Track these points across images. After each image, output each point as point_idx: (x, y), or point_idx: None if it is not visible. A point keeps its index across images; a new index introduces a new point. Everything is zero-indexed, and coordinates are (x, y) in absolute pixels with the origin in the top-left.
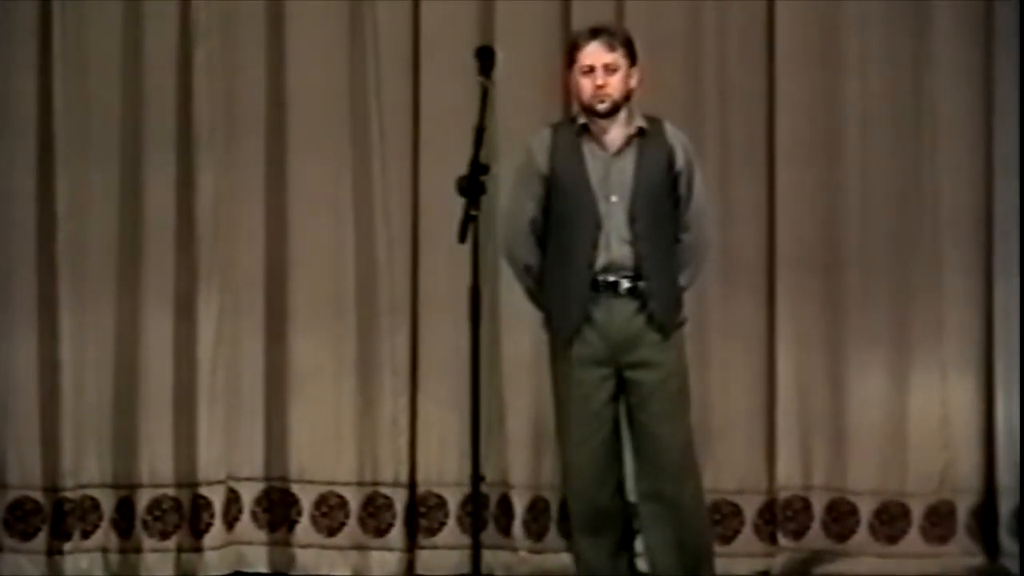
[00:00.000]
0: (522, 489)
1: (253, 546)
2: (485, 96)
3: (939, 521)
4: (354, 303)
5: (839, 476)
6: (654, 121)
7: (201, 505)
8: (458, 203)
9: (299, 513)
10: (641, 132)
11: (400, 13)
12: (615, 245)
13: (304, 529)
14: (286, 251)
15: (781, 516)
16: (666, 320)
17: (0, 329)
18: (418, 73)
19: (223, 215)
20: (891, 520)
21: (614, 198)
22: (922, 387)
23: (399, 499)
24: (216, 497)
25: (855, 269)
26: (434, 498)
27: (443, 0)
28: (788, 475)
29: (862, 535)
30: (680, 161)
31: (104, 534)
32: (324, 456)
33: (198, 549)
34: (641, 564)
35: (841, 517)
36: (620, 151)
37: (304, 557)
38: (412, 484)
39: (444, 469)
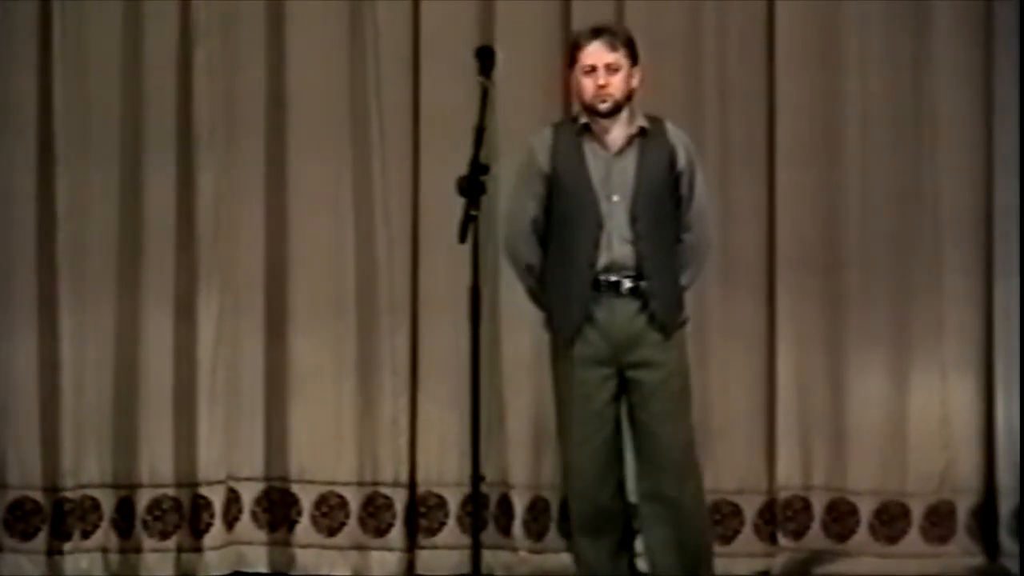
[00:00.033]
0: (522, 489)
1: (253, 546)
2: (485, 96)
3: (939, 521)
4: (354, 303)
5: (839, 476)
6: (656, 121)
7: (201, 505)
8: (458, 203)
9: (299, 513)
10: (643, 132)
11: (400, 13)
12: (617, 245)
13: (304, 529)
14: (286, 251)
15: (781, 516)
16: (668, 320)
17: (0, 329)
18: (418, 73)
19: (223, 215)
20: (891, 520)
21: (616, 198)
22: (922, 387)
23: (399, 499)
24: (216, 497)
25: (855, 269)
26: (434, 498)
27: (443, 0)
28: (788, 475)
29: (862, 535)
30: (682, 161)
31: (104, 534)
32: (324, 456)
33: (198, 549)
34: (641, 564)
35: (841, 517)
36: (622, 151)
37: (304, 557)
38: (412, 484)
39: (444, 469)
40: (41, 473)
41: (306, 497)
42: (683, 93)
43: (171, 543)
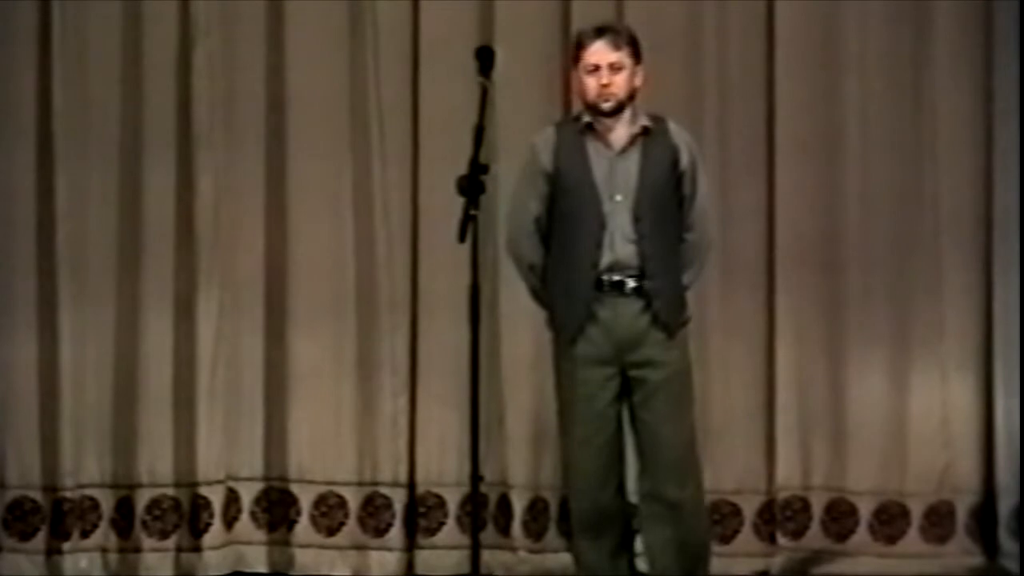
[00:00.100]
0: (521, 489)
1: (252, 546)
2: (485, 96)
3: (938, 521)
4: (354, 303)
5: (838, 476)
6: (658, 120)
7: (200, 505)
8: (458, 203)
9: (298, 513)
10: (645, 131)
11: (400, 13)
12: (619, 244)
13: (303, 529)
14: (286, 251)
15: (780, 516)
16: (671, 319)
17: (0, 329)
18: (418, 73)
19: (223, 214)
20: (890, 520)
21: (618, 197)
22: (922, 387)
23: (398, 499)
24: (215, 497)
25: (855, 269)
26: (433, 498)
27: (443, 0)
28: (787, 475)
29: (861, 535)
30: (684, 160)
31: (103, 534)
32: (323, 456)
33: (197, 549)
34: (641, 564)
35: (840, 517)
36: (624, 150)
37: (303, 557)
38: (411, 484)
39: (443, 469)
40: (40, 473)
41: (305, 497)
42: (683, 93)
43: (170, 543)
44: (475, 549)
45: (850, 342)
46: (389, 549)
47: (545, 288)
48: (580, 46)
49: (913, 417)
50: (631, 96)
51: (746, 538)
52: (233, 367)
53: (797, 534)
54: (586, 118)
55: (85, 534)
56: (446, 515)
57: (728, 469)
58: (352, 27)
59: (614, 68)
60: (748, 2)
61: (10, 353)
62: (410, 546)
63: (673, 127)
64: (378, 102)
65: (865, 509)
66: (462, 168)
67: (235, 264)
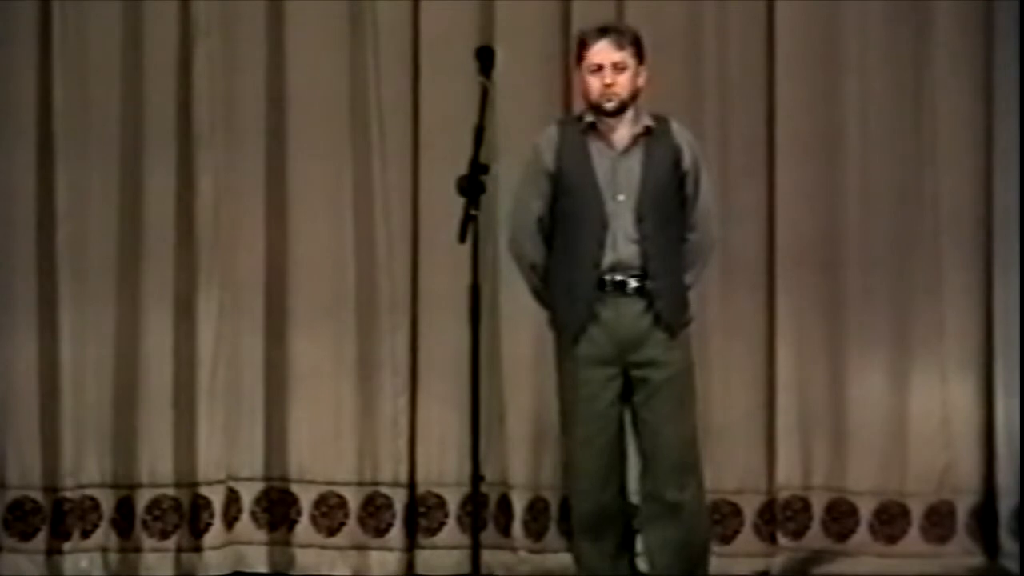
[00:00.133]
0: (522, 489)
1: (253, 546)
2: (485, 96)
3: (939, 521)
4: (354, 303)
5: (839, 476)
6: (661, 120)
7: (201, 505)
8: (458, 203)
9: (299, 513)
10: (648, 131)
11: (400, 13)
12: (622, 244)
13: (304, 529)
14: (286, 251)
15: (781, 516)
16: (673, 319)
17: (0, 329)
18: (418, 73)
19: (223, 214)
20: (891, 520)
21: (621, 197)
22: (922, 387)
23: (399, 499)
24: (216, 497)
25: (855, 268)
26: (434, 498)
27: (443, 0)
28: (788, 475)
29: (862, 535)
30: (687, 160)
31: (104, 534)
32: (324, 456)
33: (198, 549)
34: (641, 563)
35: (841, 517)
36: (627, 150)
37: (304, 557)
38: (412, 484)
39: (444, 469)
40: (41, 473)
41: (306, 497)
42: (683, 93)
43: (171, 543)
44: (475, 549)
45: (850, 342)
46: (389, 549)
47: (547, 288)
48: (584, 45)
49: (913, 417)
50: (634, 96)
51: (746, 538)
52: (233, 367)
53: (797, 534)
54: (589, 118)
55: (85, 534)
56: (446, 515)
57: (729, 469)
58: (352, 27)
59: (617, 68)
60: (748, 2)
61: (10, 353)
62: (410, 546)
63: (676, 127)
64: (378, 102)
65: (865, 509)
66: (462, 168)
67: (235, 264)
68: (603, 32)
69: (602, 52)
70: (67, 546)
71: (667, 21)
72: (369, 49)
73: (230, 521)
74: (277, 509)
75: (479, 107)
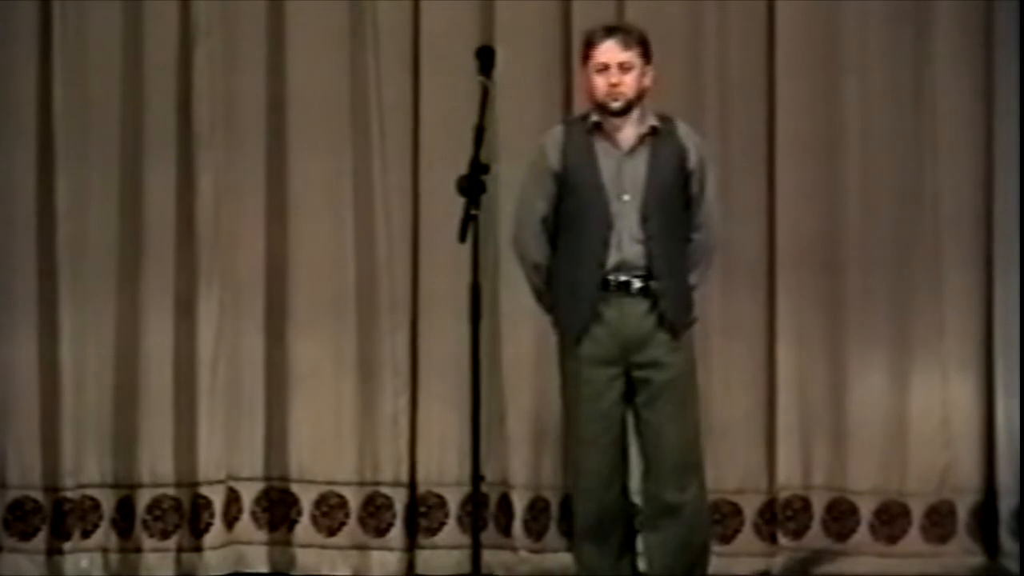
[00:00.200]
0: (522, 489)
1: (253, 546)
2: (485, 96)
3: (939, 521)
4: (354, 302)
5: (839, 476)
6: (667, 120)
7: (201, 505)
8: (458, 202)
9: (299, 513)
10: (654, 131)
11: (400, 13)
12: (627, 244)
13: (304, 529)
14: (286, 250)
15: (781, 516)
16: (677, 320)
17: (0, 329)
18: (418, 73)
19: (223, 215)
20: (891, 520)
21: (626, 197)
22: (922, 386)
23: (399, 499)
24: (216, 497)
25: (855, 268)
26: (434, 498)
27: (443, 0)
28: (788, 475)
29: (862, 535)
30: (693, 160)
31: (104, 534)
32: (324, 456)
33: (198, 549)
34: (641, 563)
35: (841, 517)
36: (633, 150)
37: (304, 557)
38: (412, 484)
39: (444, 469)
40: (41, 473)
41: (306, 497)
42: (683, 93)
43: (171, 543)
44: (476, 549)
45: (851, 342)
46: (390, 549)
47: (549, 289)
48: (590, 45)
49: (914, 417)
50: (640, 96)
51: (747, 538)
52: (234, 367)
53: (798, 534)
54: (594, 117)
55: (86, 534)
56: (447, 515)
57: (729, 469)
58: (353, 27)
59: (624, 68)
60: (748, 2)
61: (11, 353)
62: (411, 546)
63: (682, 127)
64: (379, 102)
65: (866, 509)
66: (463, 168)
67: (236, 264)
68: (609, 32)
69: (608, 52)
70: (67, 546)
71: (667, 21)
72: (369, 49)
73: (230, 521)
74: (277, 509)
75: (479, 107)
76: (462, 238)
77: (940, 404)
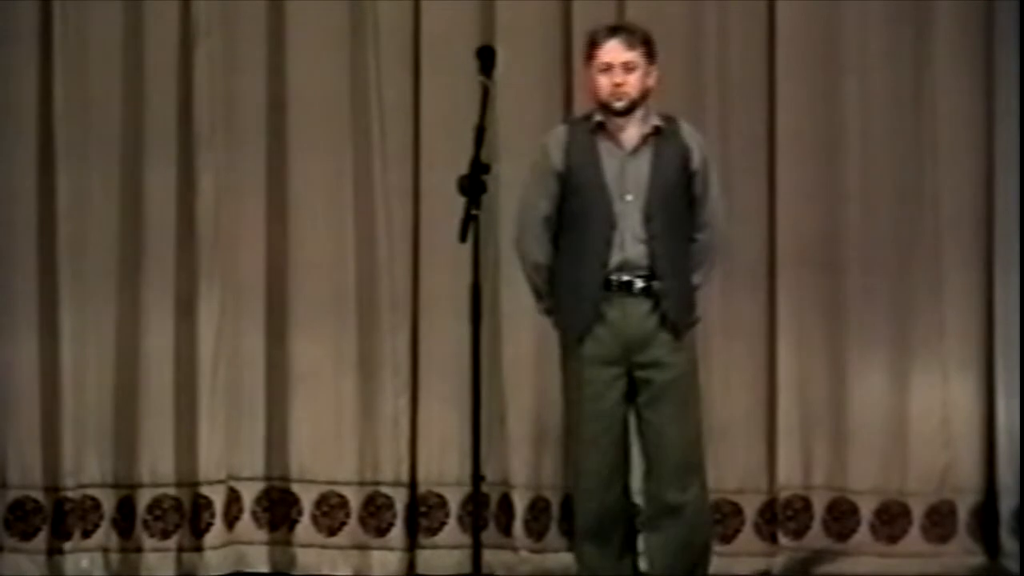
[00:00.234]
0: (523, 489)
1: (254, 546)
2: (486, 96)
3: (940, 520)
4: (355, 302)
5: (840, 475)
6: (670, 120)
7: (202, 505)
8: (459, 202)
9: (300, 513)
10: (657, 131)
11: (401, 13)
12: (629, 244)
13: (305, 529)
14: (287, 250)
15: (782, 515)
16: (679, 320)
17: (1, 329)
18: (419, 73)
19: (223, 215)
20: (892, 520)
21: (629, 197)
22: (923, 386)
23: (400, 499)
24: (217, 497)
25: (856, 269)
26: (435, 498)
27: (444, 0)
28: (789, 474)
29: (863, 535)
30: (696, 161)
31: (105, 534)
32: (325, 455)
33: (199, 549)
34: (642, 562)
35: (842, 516)
36: (636, 150)
37: (305, 557)
38: (413, 483)
39: (445, 468)
40: (42, 472)
41: (307, 497)
42: (683, 92)
43: (172, 543)
44: (476, 549)
45: (851, 342)
46: (390, 549)
47: (551, 290)
48: (594, 44)
49: (914, 417)
50: (644, 96)
51: (747, 538)
52: (234, 367)
53: (798, 534)
54: (598, 117)
55: (86, 534)
56: (447, 515)
57: (729, 469)
58: (353, 27)
59: (627, 67)
60: (749, 2)
61: (11, 353)
62: (411, 546)
63: (686, 127)
64: (379, 102)
65: (866, 509)
66: (463, 168)
67: (236, 264)
68: (614, 31)
69: (612, 51)
70: (68, 546)
71: (667, 21)
72: (370, 49)
73: (231, 521)
74: (278, 509)
75: (480, 107)
76: (463, 238)
77: (940, 404)
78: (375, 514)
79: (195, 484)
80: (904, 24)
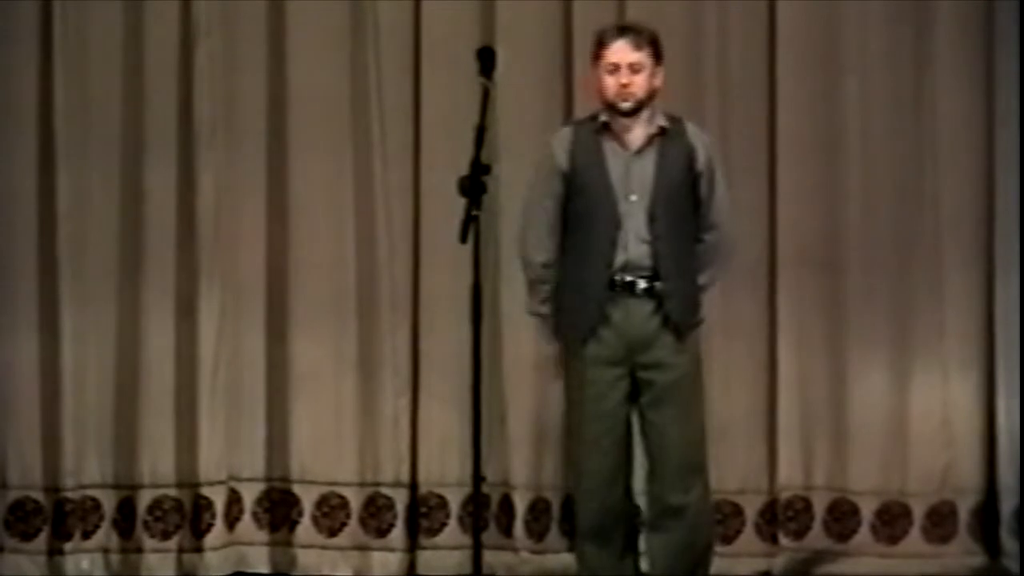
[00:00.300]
0: (523, 489)
1: (254, 546)
2: (486, 96)
3: (940, 521)
4: (355, 303)
5: (840, 476)
6: (676, 120)
7: (202, 505)
8: (459, 203)
9: (300, 513)
10: (663, 131)
11: (401, 13)
12: (633, 244)
13: (305, 529)
14: (287, 251)
15: (782, 516)
16: (682, 321)
17: (1, 329)
18: (419, 73)
19: (224, 215)
20: (892, 520)
21: (634, 197)
22: (923, 387)
23: (400, 499)
24: (217, 497)
25: (856, 269)
26: (435, 498)
27: (444, 0)
28: (789, 475)
29: (863, 535)
30: (701, 161)
31: (105, 534)
32: (325, 456)
33: (199, 549)
34: (643, 563)
35: (842, 517)
36: (641, 150)
37: (305, 557)
38: (413, 484)
39: (445, 469)
40: (42, 473)
41: (307, 497)
42: (684, 92)
43: (172, 543)
44: (477, 549)
45: (851, 342)
46: (391, 549)
47: (552, 291)
48: (601, 45)
49: (914, 417)
50: (650, 96)
51: (748, 538)
52: (234, 367)
53: (799, 534)
54: (603, 117)
55: (87, 535)
56: (448, 515)
57: (730, 469)
58: (353, 27)
59: (634, 68)
60: (749, 2)
61: (11, 353)
62: (412, 546)
63: (691, 128)
64: (379, 102)
65: (867, 509)
66: (463, 168)
67: (236, 264)
68: (621, 32)
69: (619, 52)
70: (68, 547)
71: (668, 21)
72: (370, 49)
73: (231, 522)
74: (278, 509)
75: (480, 107)
76: (463, 238)
77: (941, 404)
78: (376, 515)
79: (196, 485)
80: (904, 24)
